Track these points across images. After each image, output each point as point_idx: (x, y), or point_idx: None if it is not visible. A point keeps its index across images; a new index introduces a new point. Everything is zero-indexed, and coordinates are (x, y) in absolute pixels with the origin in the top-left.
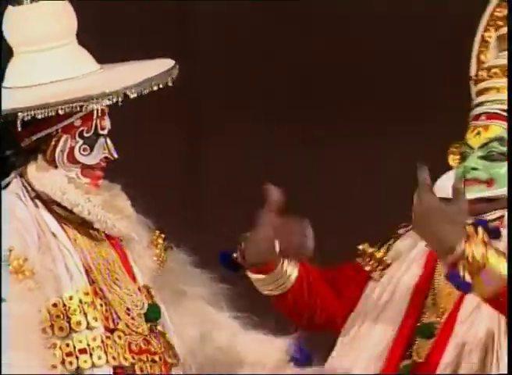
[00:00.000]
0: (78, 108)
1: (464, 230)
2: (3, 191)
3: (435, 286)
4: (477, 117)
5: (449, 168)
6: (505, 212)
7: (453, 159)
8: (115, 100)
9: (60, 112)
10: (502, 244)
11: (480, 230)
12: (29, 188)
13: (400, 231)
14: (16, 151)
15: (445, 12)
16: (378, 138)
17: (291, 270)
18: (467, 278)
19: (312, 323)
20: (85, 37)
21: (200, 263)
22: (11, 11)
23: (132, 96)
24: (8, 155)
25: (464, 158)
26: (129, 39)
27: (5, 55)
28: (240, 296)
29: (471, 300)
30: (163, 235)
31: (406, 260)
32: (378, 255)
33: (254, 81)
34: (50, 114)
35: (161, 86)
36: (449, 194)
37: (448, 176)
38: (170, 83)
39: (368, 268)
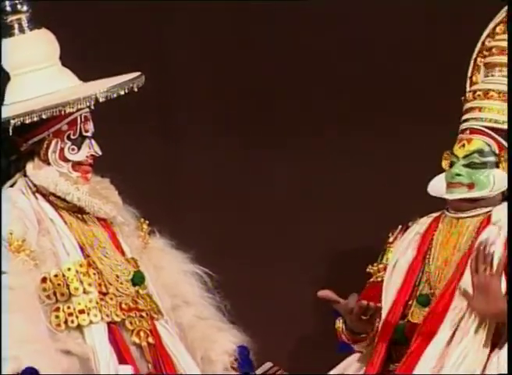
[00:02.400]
0: (57, 113)
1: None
2: (9, 189)
3: (430, 265)
4: (463, 131)
5: (443, 170)
6: (487, 209)
7: (445, 164)
8: (87, 104)
9: (43, 116)
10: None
11: None
12: (30, 184)
13: (390, 239)
14: (18, 156)
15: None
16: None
17: None
18: None
19: None
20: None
21: (177, 246)
22: (5, 42)
23: (101, 100)
24: (12, 159)
25: (451, 165)
26: (109, 51)
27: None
28: (207, 275)
29: (466, 283)
30: (147, 222)
31: (402, 248)
32: (381, 265)
33: (227, 89)
34: (35, 119)
35: (127, 91)
36: (440, 193)
37: (440, 178)
38: (136, 89)
39: (380, 279)
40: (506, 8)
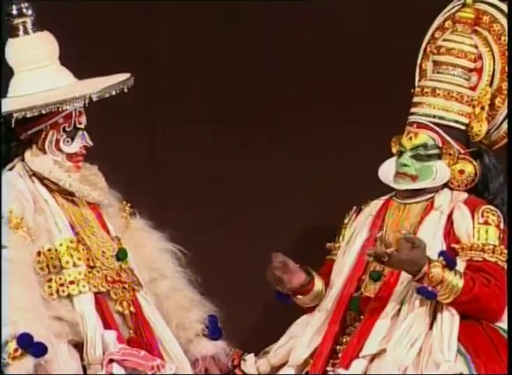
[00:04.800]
0: (56, 109)
1: (425, 260)
2: (9, 172)
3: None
4: (411, 124)
5: (392, 154)
6: (430, 195)
7: (394, 149)
8: (83, 102)
9: (43, 111)
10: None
11: (440, 259)
12: (27, 169)
13: (346, 220)
14: (17, 143)
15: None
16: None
17: (321, 288)
18: (431, 288)
19: None
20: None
21: (155, 226)
22: (10, 41)
23: (94, 99)
24: (12, 146)
25: (400, 154)
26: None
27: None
28: (181, 251)
29: None
30: (129, 204)
31: (357, 229)
32: (337, 244)
33: (207, 87)
34: (36, 114)
35: (117, 91)
36: (388, 181)
37: (390, 163)
38: (126, 90)
39: (334, 258)
40: (455, 2)
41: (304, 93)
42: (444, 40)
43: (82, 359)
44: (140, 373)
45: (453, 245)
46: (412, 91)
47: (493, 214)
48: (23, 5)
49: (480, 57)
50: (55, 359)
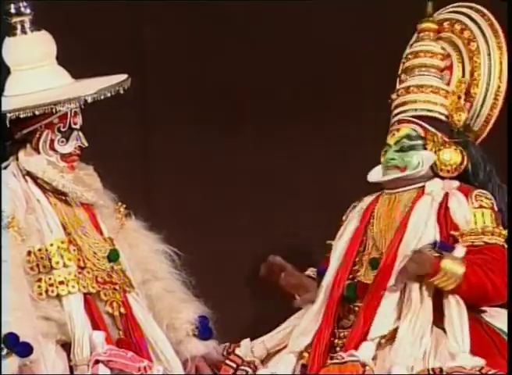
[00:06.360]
0: (49, 110)
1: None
2: (2, 171)
3: (372, 233)
4: (392, 125)
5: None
6: (421, 184)
7: (383, 157)
8: (77, 104)
9: (36, 112)
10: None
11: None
12: (21, 168)
13: (344, 218)
14: (12, 142)
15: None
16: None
17: None
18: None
19: None
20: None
21: (150, 228)
22: (8, 40)
23: (89, 101)
24: (7, 144)
25: (385, 153)
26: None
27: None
28: (175, 253)
29: (407, 242)
30: (124, 205)
31: (349, 221)
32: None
33: (201, 86)
34: (29, 114)
35: (113, 93)
36: (377, 178)
37: (377, 169)
38: (122, 91)
39: None
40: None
41: (296, 91)
42: (411, 48)
43: (69, 360)
44: (127, 374)
45: (452, 232)
46: (389, 101)
47: (486, 197)
48: (21, 4)
49: (448, 56)
50: (42, 359)
